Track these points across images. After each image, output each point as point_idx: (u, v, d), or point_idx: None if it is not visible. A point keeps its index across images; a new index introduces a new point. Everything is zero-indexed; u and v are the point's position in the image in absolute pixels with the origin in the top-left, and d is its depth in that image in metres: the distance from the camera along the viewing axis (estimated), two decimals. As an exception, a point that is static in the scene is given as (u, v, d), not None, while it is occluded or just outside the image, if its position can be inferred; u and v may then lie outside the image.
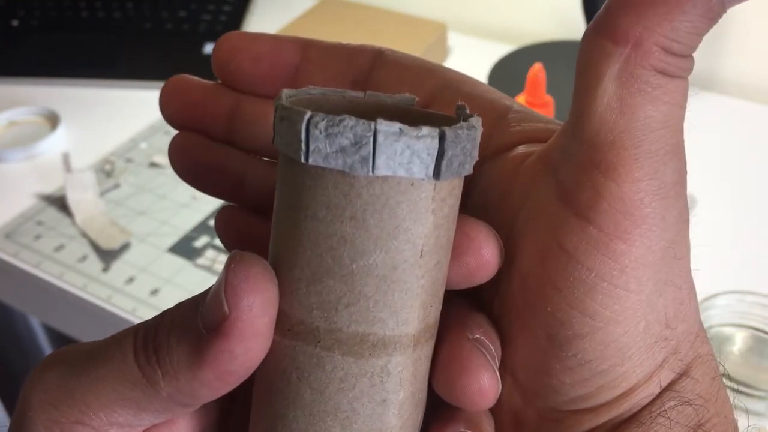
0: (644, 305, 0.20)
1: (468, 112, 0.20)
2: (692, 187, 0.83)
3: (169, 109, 0.25)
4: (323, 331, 0.19)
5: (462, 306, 0.22)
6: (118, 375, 0.20)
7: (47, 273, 0.68)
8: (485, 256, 0.21)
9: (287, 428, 0.20)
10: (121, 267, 0.68)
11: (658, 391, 0.21)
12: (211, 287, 0.20)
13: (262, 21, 1.02)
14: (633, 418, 0.21)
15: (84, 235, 0.71)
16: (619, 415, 0.21)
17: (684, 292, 0.21)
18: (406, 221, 0.19)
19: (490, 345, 0.21)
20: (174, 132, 0.26)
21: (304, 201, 0.19)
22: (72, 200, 0.73)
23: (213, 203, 0.75)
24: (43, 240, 0.71)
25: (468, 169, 0.20)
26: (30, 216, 0.74)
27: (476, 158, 0.20)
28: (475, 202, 0.23)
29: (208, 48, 0.96)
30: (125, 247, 0.70)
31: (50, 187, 0.77)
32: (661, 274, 0.20)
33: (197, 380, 0.19)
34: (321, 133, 0.18)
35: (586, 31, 0.20)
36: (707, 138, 0.81)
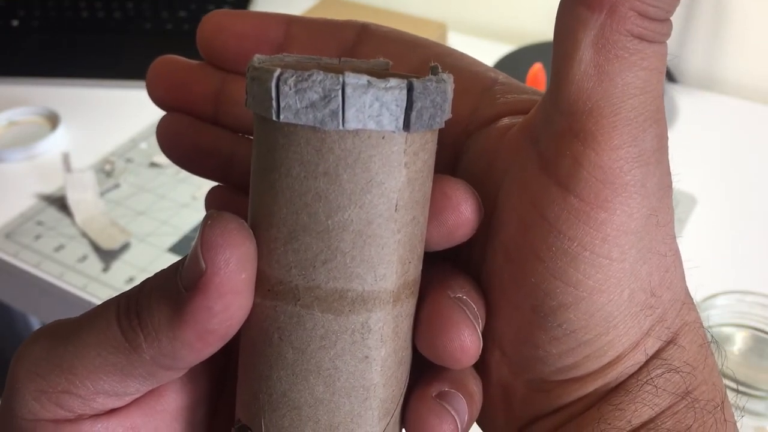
0: (628, 273, 0.20)
1: (440, 70, 0.20)
2: (692, 187, 0.83)
3: (155, 90, 0.25)
4: (302, 289, 0.19)
5: (445, 267, 0.22)
6: (102, 340, 0.20)
7: (47, 273, 0.68)
8: (464, 212, 0.21)
9: (272, 389, 0.20)
10: (121, 267, 0.68)
11: (644, 359, 0.21)
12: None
13: (262, 21, 1.01)
14: (620, 386, 0.21)
15: (84, 235, 0.71)
16: (605, 384, 0.21)
17: (668, 259, 0.21)
18: (379, 175, 0.19)
19: (472, 304, 0.21)
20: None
21: (277, 159, 0.19)
22: (72, 200, 0.73)
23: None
24: (43, 240, 0.71)
25: (439, 123, 0.19)
26: (30, 216, 0.74)
27: (449, 114, 0.20)
28: (461, 175, 0.23)
29: (208, 48, 0.95)
30: (125, 247, 0.70)
31: (50, 187, 0.77)
32: (644, 241, 0.20)
33: (178, 340, 0.19)
34: (290, 89, 0.18)
35: (564, 1, 0.19)
36: (707, 138, 0.81)
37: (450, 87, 0.20)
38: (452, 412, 0.21)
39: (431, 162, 0.20)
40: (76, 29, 0.99)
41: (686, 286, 0.22)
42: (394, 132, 0.19)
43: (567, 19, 0.19)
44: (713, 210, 0.72)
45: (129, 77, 0.91)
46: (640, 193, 0.19)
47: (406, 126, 0.19)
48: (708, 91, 0.88)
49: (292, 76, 0.18)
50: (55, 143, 0.82)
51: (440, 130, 0.21)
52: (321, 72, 0.18)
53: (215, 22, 0.25)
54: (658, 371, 0.21)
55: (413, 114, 0.19)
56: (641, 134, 0.19)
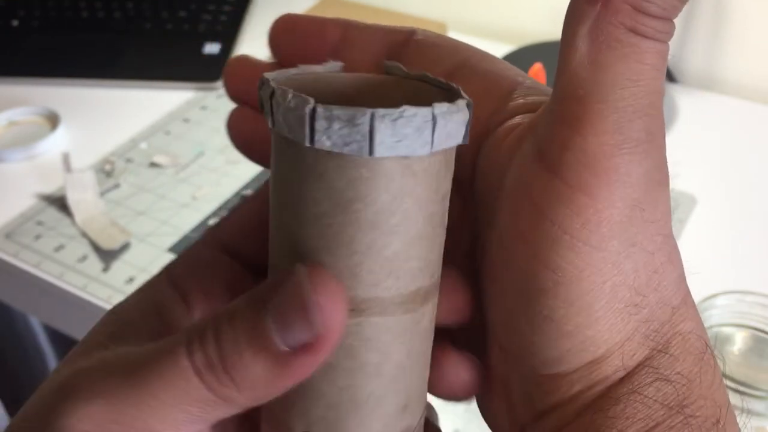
0: (609, 264, 0.20)
1: (462, 97, 0.22)
2: (692, 187, 0.83)
3: (230, 84, 0.27)
4: (387, 299, 0.21)
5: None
6: (185, 398, 0.20)
7: (47, 273, 0.68)
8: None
9: (356, 395, 0.21)
10: (121, 267, 0.68)
11: (632, 364, 0.21)
12: (265, 295, 0.20)
13: (262, 21, 1.02)
14: (609, 393, 0.21)
15: (84, 235, 0.71)
16: (592, 386, 0.21)
17: (657, 259, 0.20)
18: (443, 184, 0.21)
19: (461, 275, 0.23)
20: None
21: (362, 192, 0.20)
22: (72, 200, 0.73)
23: (213, 203, 0.75)
24: (43, 240, 0.71)
25: (462, 139, 0.21)
26: (30, 216, 0.74)
27: (468, 131, 0.22)
28: (474, 173, 0.24)
29: (208, 48, 0.96)
30: (125, 247, 0.70)
31: (50, 187, 0.77)
32: (628, 234, 0.20)
33: (277, 389, 0.20)
34: (387, 126, 0.19)
35: None
36: (707, 138, 0.81)
37: (470, 110, 0.21)
38: (474, 357, 0.24)
39: (452, 169, 0.22)
40: (76, 29, 0.99)
41: (683, 293, 0.21)
42: (421, 156, 0.20)
43: (570, 12, 0.20)
44: (713, 210, 0.72)
45: (129, 77, 0.91)
46: (622, 182, 0.19)
47: (432, 148, 0.20)
48: (708, 91, 0.88)
49: (385, 114, 0.19)
50: (55, 143, 0.82)
51: None
52: (411, 107, 0.19)
53: (285, 23, 0.27)
54: (648, 379, 0.20)
55: (438, 137, 0.20)
56: (627, 124, 0.19)
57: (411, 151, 0.19)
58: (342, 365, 0.21)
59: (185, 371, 0.20)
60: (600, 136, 0.19)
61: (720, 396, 0.21)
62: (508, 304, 0.22)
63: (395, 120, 0.19)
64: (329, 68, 0.24)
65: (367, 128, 0.19)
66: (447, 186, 0.21)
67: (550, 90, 0.24)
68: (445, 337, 0.24)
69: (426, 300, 0.22)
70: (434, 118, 0.19)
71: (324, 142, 0.19)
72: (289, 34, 0.27)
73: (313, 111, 0.19)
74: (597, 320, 0.20)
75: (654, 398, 0.20)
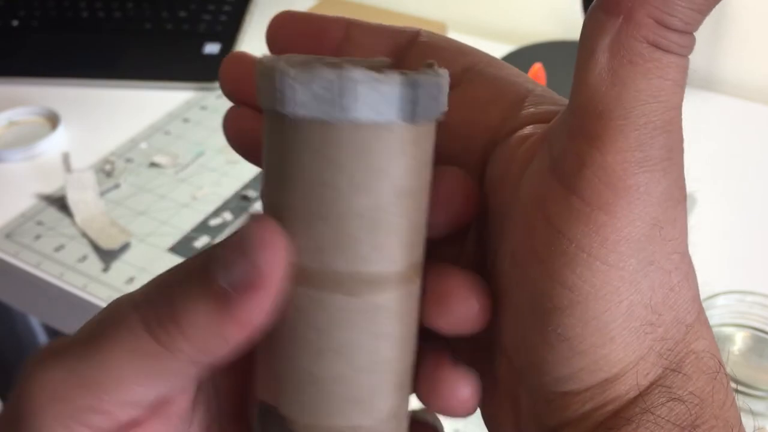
0: (627, 283, 0.19)
1: (436, 68, 0.21)
2: (692, 187, 0.83)
3: (225, 83, 0.26)
4: (321, 274, 0.20)
5: (446, 249, 0.24)
6: (131, 350, 0.20)
7: (47, 273, 0.68)
8: (460, 201, 0.22)
9: (295, 369, 0.21)
10: (121, 267, 0.68)
11: (645, 383, 0.20)
12: (215, 249, 0.20)
13: (262, 21, 1.02)
14: (621, 413, 0.20)
15: (84, 235, 0.71)
16: (604, 405, 0.20)
17: (674, 277, 0.20)
18: (384, 163, 0.20)
19: (477, 277, 0.22)
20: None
21: (290, 152, 0.20)
22: (72, 200, 0.73)
23: (213, 203, 0.75)
24: (43, 240, 0.71)
25: (436, 114, 0.21)
26: (30, 216, 0.74)
27: (445, 106, 0.21)
28: (485, 182, 0.24)
29: (208, 48, 0.96)
30: (125, 247, 0.70)
31: (50, 187, 0.77)
32: (646, 252, 0.19)
33: (223, 337, 0.20)
34: (296, 82, 0.19)
35: (590, 7, 0.20)
36: (707, 138, 0.81)
37: (445, 81, 0.21)
38: (474, 375, 0.23)
39: (431, 151, 0.21)
40: (76, 29, 0.99)
41: (697, 311, 0.21)
42: (396, 123, 0.20)
43: (588, 23, 0.19)
44: (713, 210, 0.72)
45: (129, 77, 0.91)
46: (642, 200, 0.19)
47: (408, 117, 0.20)
48: (708, 91, 0.88)
49: (300, 71, 0.19)
50: (55, 143, 0.82)
51: (468, 139, 0.24)
52: (327, 67, 0.19)
53: (283, 22, 0.26)
54: (661, 399, 0.20)
55: (414, 106, 0.20)
56: (648, 141, 0.19)
57: (326, 114, 0.19)
58: (283, 333, 0.21)
59: (133, 325, 0.20)
60: (621, 154, 0.19)
61: (732, 416, 0.21)
62: (520, 320, 0.21)
63: (305, 77, 0.19)
64: (373, 62, 0.23)
65: (278, 83, 0.19)
66: (397, 170, 0.20)
67: (560, 99, 0.24)
68: (443, 349, 0.23)
69: (371, 289, 0.21)
70: (347, 81, 0.19)
71: (260, 98, 0.20)
72: (288, 31, 0.26)
73: (257, 67, 0.20)
74: (612, 339, 0.20)
75: (666, 418, 0.20)
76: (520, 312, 0.21)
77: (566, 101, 0.23)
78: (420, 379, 0.23)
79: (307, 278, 0.20)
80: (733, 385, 0.50)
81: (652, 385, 0.20)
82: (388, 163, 0.20)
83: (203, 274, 0.20)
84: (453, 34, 0.96)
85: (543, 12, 0.97)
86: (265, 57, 0.21)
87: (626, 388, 0.20)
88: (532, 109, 0.23)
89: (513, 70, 0.25)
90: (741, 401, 0.52)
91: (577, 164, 0.19)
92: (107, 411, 0.20)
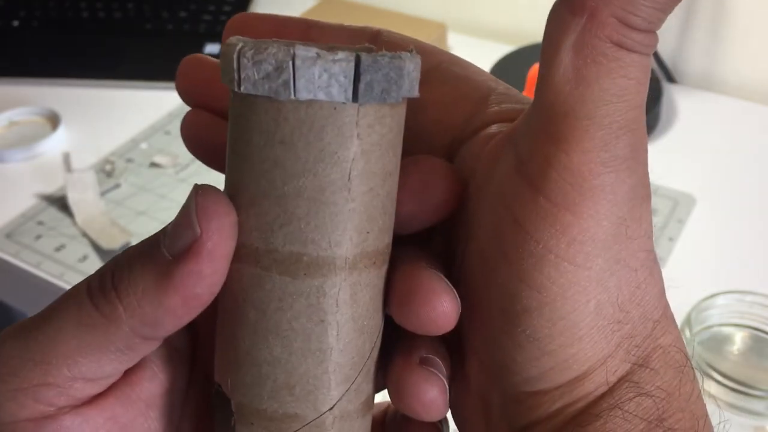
0: (594, 283, 0.20)
1: (407, 53, 0.21)
2: (692, 187, 0.83)
3: (182, 86, 0.26)
4: (262, 252, 0.20)
5: (416, 245, 0.23)
6: (76, 322, 0.20)
7: (48, 273, 0.68)
8: (439, 193, 0.22)
9: (237, 348, 0.21)
10: (121, 267, 0.68)
11: (614, 380, 0.20)
12: (166, 226, 0.21)
13: (262, 21, 1.02)
14: (590, 409, 0.21)
15: (84, 235, 0.71)
16: (573, 402, 0.21)
17: (640, 275, 0.20)
18: (332, 145, 0.20)
19: (444, 276, 0.22)
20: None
21: (240, 129, 0.20)
22: (72, 200, 0.73)
23: (213, 203, 0.75)
24: (43, 240, 0.71)
25: (395, 98, 0.20)
26: (31, 216, 0.74)
27: (410, 91, 0.21)
28: None
29: (209, 48, 0.96)
30: (126, 247, 0.70)
31: (51, 187, 0.77)
32: (612, 251, 0.20)
33: (162, 307, 0.20)
34: (249, 61, 0.19)
35: (553, 5, 0.20)
36: (707, 138, 0.81)
37: (410, 64, 0.20)
38: (440, 376, 0.22)
39: (392, 137, 0.21)
40: (76, 29, 0.99)
41: (662, 306, 0.21)
42: (344, 103, 0.20)
43: (552, 22, 0.19)
44: (713, 210, 0.72)
45: (129, 77, 0.91)
46: (608, 200, 0.19)
47: (355, 97, 0.20)
48: (708, 91, 0.88)
49: (251, 49, 0.19)
50: (55, 143, 0.82)
51: (432, 138, 0.23)
52: (275, 45, 0.19)
53: (240, 24, 0.26)
54: (629, 394, 0.20)
55: (361, 86, 0.19)
56: (613, 140, 0.19)
57: (273, 92, 0.19)
58: (228, 311, 0.21)
59: (79, 296, 0.20)
60: (586, 154, 0.19)
61: (698, 408, 0.21)
62: (489, 321, 0.21)
63: (256, 55, 0.19)
64: (357, 50, 0.24)
65: (235, 61, 0.19)
66: (344, 151, 0.20)
67: (523, 97, 0.24)
68: (412, 349, 0.22)
69: (311, 271, 0.20)
70: (293, 59, 0.19)
71: (222, 77, 0.20)
72: (245, 34, 0.26)
73: (224, 48, 0.20)
74: (581, 339, 0.20)
75: (634, 413, 0.20)
76: (488, 313, 0.21)
77: (529, 99, 0.23)
78: (388, 379, 0.23)
79: (250, 256, 0.20)
80: (732, 385, 0.50)
81: (621, 381, 0.20)
82: (336, 144, 0.20)
83: (149, 245, 0.20)
84: (453, 35, 0.96)
85: (543, 12, 0.96)
86: (234, 39, 0.21)
87: (595, 385, 0.20)
88: (495, 108, 0.23)
89: (476, 69, 0.25)
90: (741, 401, 0.52)
91: (543, 165, 0.19)
92: (59, 386, 0.20)
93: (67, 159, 0.77)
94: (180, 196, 0.76)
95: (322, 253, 0.20)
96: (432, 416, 0.22)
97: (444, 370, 0.22)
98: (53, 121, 0.86)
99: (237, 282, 0.21)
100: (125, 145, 0.83)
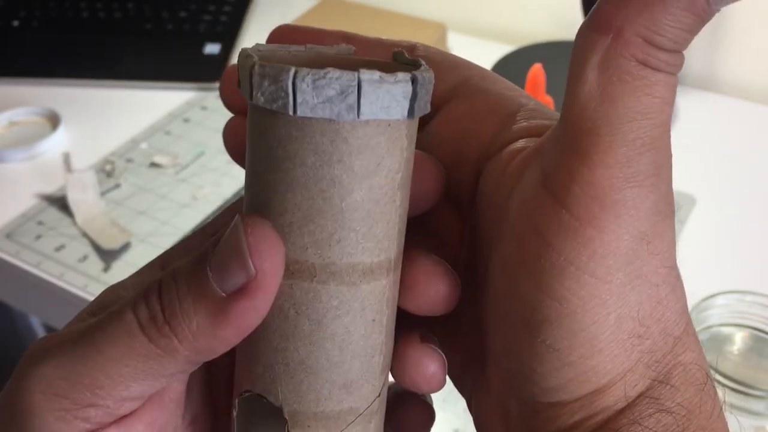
0: (614, 296, 0.20)
1: (407, 56, 0.23)
2: (692, 187, 0.83)
3: (226, 93, 0.27)
4: (318, 267, 0.21)
5: (415, 235, 0.24)
6: (129, 352, 0.20)
7: (48, 273, 0.68)
8: (431, 180, 0.24)
9: (288, 359, 0.22)
10: (121, 267, 0.68)
11: (633, 395, 0.21)
12: (208, 249, 0.21)
13: (262, 21, 1.02)
14: (609, 424, 0.21)
15: (84, 235, 0.71)
16: (592, 416, 0.21)
17: (661, 290, 0.20)
18: (386, 159, 0.21)
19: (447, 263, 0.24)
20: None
21: (291, 151, 0.20)
22: (72, 200, 0.73)
23: (213, 203, 0.75)
24: (43, 240, 0.71)
25: (428, 108, 0.22)
26: (31, 216, 0.74)
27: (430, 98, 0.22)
28: (476, 196, 0.24)
29: (209, 48, 0.96)
30: (126, 247, 0.70)
31: (51, 187, 0.77)
32: (633, 266, 0.20)
33: (218, 338, 0.20)
34: (308, 86, 0.19)
35: (581, 25, 0.20)
36: (707, 138, 0.81)
37: (432, 73, 0.22)
38: (439, 351, 0.24)
39: (415, 141, 0.22)
40: (76, 29, 0.99)
41: (685, 323, 0.21)
42: (399, 120, 0.20)
43: (579, 41, 0.20)
44: (713, 210, 0.72)
45: (129, 77, 0.91)
46: (630, 215, 0.19)
47: (410, 114, 0.21)
48: (708, 91, 0.88)
49: (309, 73, 0.19)
50: (55, 143, 0.82)
51: (461, 151, 0.24)
52: (337, 69, 0.19)
53: (280, 36, 0.27)
54: (649, 410, 0.20)
55: (416, 103, 0.20)
56: (637, 157, 0.19)
57: (336, 115, 0.20)
58: (276, 325, 0.22)
59: (129, 325, 0.21)
60: (609, 169, 0.19)
61: (720, 427, 0.21)
62: (510, 331, 0.22)
63: (317, 80, 0.19)
64: (339, 50, 0.24)
65: (290, 86, 0.19)
66: (394, 163, 0.21)
67: (553, 113, 0.24)
68: (413, 328, 0.24)
69: (366, 278, 0.21)
70: (359, 83, 0.19)
71: (258, 98, 0.20)
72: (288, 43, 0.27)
73: (252, 67, 0.20)
74: (600, 351, 0.20)
75: (654, 429, 0.20)
76: (510, 322, 0.22)
77: (558, 115, 0.24)
78: (408, 280, 0.24)
79: (304, 272, 0.21)
80: (732, 385, 0.50)
81: (640, 396, 0.21)
82: (389, 157, 0.21)
83: (198, 278, 0.20)
84: (453, 35, 0.96)
85: (543, 12, 0.97)
86: (245, 51, 0.21)
87: (614, 399, 0.21)
88: (524, 123, 0.24)
89: (506, 84, 0.25)
90: (741, 401, 0.52)
91: (567, 179, 0.20)
92: (108, 407, 0.21)
93: (67, 159, 0.77)
94: (180, 196, 0.76)
95: (375, 260, 0.21)
96: (433, 388, 0.24)
97: (438, 345, 0.24)
98: (53, 121, 0.86)
99: (287, 298, 0.21)
100: (125, 145, 0.83)
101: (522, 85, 0.73)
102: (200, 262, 0.21)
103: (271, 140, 0.21)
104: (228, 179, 0.78)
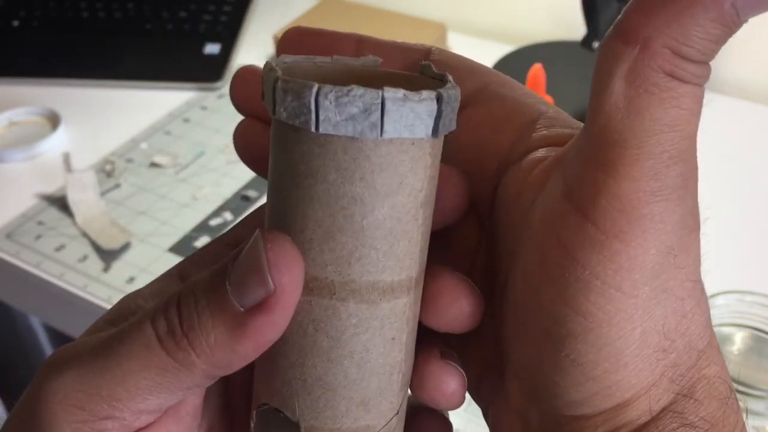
0: (640, 311, 0.20)
1: (434, 69, 0.22)
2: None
3: (236, 96, 0.27)
4: (338, 284, 0.21)
5: (437, 252, 0.24)
6: (147, 365, 0.20)
7: (48, 273, 0.68)
8: (455, 193, 0.24)
9: (306, 374, 0.22)
10: (121, 267, 0.68)
11: (657, 408, 0.20)
12: (227, 263, 0.20)
13: (262, 21, 1.02)
14: None
15: (84, 235, 0.71)
16: (615, 429, 0.21)
17: (686, 304, 0.20)
18: (408, 177, 0.20)
19: (471, 281, 0.23)
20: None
21: (313, 167, 0.20)
22: (72, 200, 0.73)
23: (213, 203, 0.75)
24: (43, 240, 0.71)
25: (454, 125, 0.21)
26: (31, 216, 0.74)
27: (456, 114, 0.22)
28: (496, 204, 0.24)
29: (209, 48, 0.96)
30: (126, 247, 0.70)
31: (51, 187, 0.77)
32: (660, 280, 0.20)
33: (235, 353, 0.20)
34: (331, 103, 0.19)
35: (606, 34, 0.20)
36: (707, 138, 0.81)
37: (458, 90, 0.21)
38: (459, 368, 0.23)
39: (440, 159, 0.22)
40: (76, 29, 0.99)
41: (708, 336, 0.21)
42: (423, 138, 0.20)
43: (604, 51, 0.19)
44: (713, 210, 0.72)
45: (129, 77, 0.91)
46: (657, 228, 0.19)
47: (435, 132, 0.20)
48: (708, 91, 0.88)
49: (332, 90, 0.19)
50: (55, 143, 0.82)
51: (480, 159, 0.24)
52: (360, 87, 0.19)
53: (294, 38, 0.26)
54: (673, 425, 0.20)
55: (438, 120, 0.20)
56: (664, 170, 0.19)
57: (358, 132, 0.19)
58: (294, 341, 0.21)
59: (148, 338, 0.21)
60: (636, 182, 0.19)
61: None
62: (532, 343, 0.21)
63: (340, 97, 0.19)
64: (366, 62, 0.24)
65: (312, 103, 0.19)
66: (417, 182, 0.21)
67: (573, 121, 0.24)
68: (433, 344, 0.24)
69: (386, 296, 0.21)
70: (383, 101, 0.19)
71: (281, 113, 0.20)
72: (299, 48, 0.26)
73: (276, 82, 0.20)
74: (625, 366, 0.20)
75: None
76: (532, 335, 0.21)
77: (579, 124, 0.23)
78: (430, 298, 0.23)
79: (324, 289, 0.21)
80: (732, 384, 0.50)
81: (664, 410, 0.20)
82: (412, 175, 0.20)
83: (217, 292, 0.20)
84: (453, 35, 0.96)
85: (543, 12, 0.97)
86: (276, 68, 0.21)
87: (638, 413, 0.20)
88: (544, 132, 0.23)
89: (525, 91, 0.25)
90: (740, 401, 0.52)
91: (593, 192, 0.19)
92: (124, 419, 0.21)
93: (67, 159, 0.77)
94: (180, 196, 0.76)
95: (396, 278, 0.21)
96: (453, 406, 0.24)
97: (458, 362, 0.24)
98: (53, 121, 0.86)
99: (306, 314, 0.21)
100: (125, 145, 0.83)
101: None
102: (219, 276, 0.20)
103: (293, 156, 0.20)
104: (228, 179, 0.78)
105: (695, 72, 0.19)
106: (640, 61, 0.18)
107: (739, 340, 0.59)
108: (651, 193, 0.19)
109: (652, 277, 0.19)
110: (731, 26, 0.18)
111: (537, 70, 0.70)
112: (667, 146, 0.19)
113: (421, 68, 0.23)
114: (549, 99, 0.72)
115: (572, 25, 0.92)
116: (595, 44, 0.78)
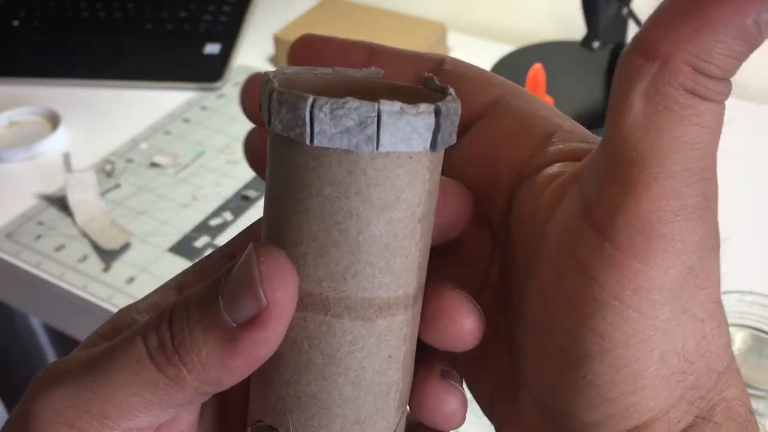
0: (659, 332, 0.19)
1: (437, 82, 0.22)
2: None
3: (247, 104, 0.26)
4: (332, 300, 0.20)
5: (438, 268, 0.23)
6: (137, 381, 0.20)
7: (48, 273, 0.68)
8: (458, 210, 0.23)
9: (300, 392, 0.21)
10: (121, 267, 0.68)
11: (676, 431, 0.20)
12: (220, 277, 0.20)
13: (262, 21, 1.02)
14: None
15: (84, 235, 0.71)
16: None
17: (706, 325, 0.20)
18: (406, 192, 0.20)
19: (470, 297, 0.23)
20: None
21: (307, 180, 0.20)
22: (72, 200, 0.73)
23: (213, 203, 0.75)
24: (43, 240, 0.71)
25: (454, 139, 0.21)
26: (31, 216, 0.74)
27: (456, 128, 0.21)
28: (509, 218, 0.23)
29: (209, 48, 0.96)
30: (126, 247, 0.70)
31: (51, 187, 0.77)
32: (680, 301, 0.19)
33: (227, 369, 0.20)
34: (326, 115, 0.19)
35: (624, 49, 0.19)
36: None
37: (459, 103, 0.21)
38: (460, 388, 0.23)
39: (440, 173, 0.22)
40: (76, 29, 0.99)
41: (728, 358, 0.21)
42: (421, 152, 0.20)
43: (623, 66, 0.19)
44: (713, 210, 0.72)
45: (129, 77, 0.92)
46: (677, 249, 0.19)
47: (433, 146, 0.20)
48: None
49: (327, 103, 0.19)
50: (55, 143, 0.83)
51: (494, 173, 0.24)
52: (356, 99, 0.19)
53: (306, 45, 0.26)
54: None
55: (439, 135, 0.20)
56: (684, 189, 0.18)
57: (354, 146, 0.19)
58: (288, 358, 0.21)
59: (138, 353, 0.20)
60: (656, 202, 0.18)
61: None
62: (547, 363, 0.21)
63: (335, 110, 0.19)
64: (368, 74, 0.23)
65: (307, 115, 0.19)
66: (414, 196, 0.20)
67: (590, 135, 0.23)
68: (433, 363, 0.23)
69: (383, 313, 0.21)
70: (379, 114, 0.19)
71: (277, 125, 0.20)
72: (310, 56, 0.26)
73: (271, 93, 0.20)
74: (643, 387, 0.19)
75: None
76: (547, 353, 0.21)
77: (595, 138, 0.23)
78: (430, 315, 0.23)
79: (318, 305, 0.20)
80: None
81: None
82: (410, 189, 0.20)
83: (209, 306, 0.20)
84: (453, 35, 0.96)
85: (543, 12, 0.97)
86: (272, 79, 0.21)
87: None
88: (560, 146, 0.23)
89: (541, 103, 0.24)
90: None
91: (611, 211, 0.19)
92: None
93: (67, 159, 0.77)
94: (180, 196, 0.76)
95: (393, 295, 0.21)
96: (452, 426, 0.23)
97: (459, 380, 0.23)
98: (53, 121, 0.86)
99: (301, 330, 0.21)
100: (125, 145, 0.83)
101: (522, 85, 0.73)
102: (212, 290, 0.20)
103: (289, 168, 0.20)
104: (228, 179, 0.78)
105: (716, 89, 0.18)
106: (660, 77, 0.18)
107: (739, 340, 0.59)
108: (671, 212, 0.18)
109: (671, 298, 0.19)
110: (753, 42, 0.18)
111: (537, 70, 0.70)
112: (687, 165, 0.18)
113: (425, 80, 0.23)
114: (549, 99, 0.72)
115: (572, 25, 0.92)
116: (595, 44, 0.78)
